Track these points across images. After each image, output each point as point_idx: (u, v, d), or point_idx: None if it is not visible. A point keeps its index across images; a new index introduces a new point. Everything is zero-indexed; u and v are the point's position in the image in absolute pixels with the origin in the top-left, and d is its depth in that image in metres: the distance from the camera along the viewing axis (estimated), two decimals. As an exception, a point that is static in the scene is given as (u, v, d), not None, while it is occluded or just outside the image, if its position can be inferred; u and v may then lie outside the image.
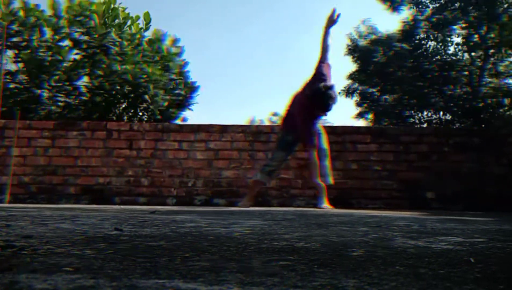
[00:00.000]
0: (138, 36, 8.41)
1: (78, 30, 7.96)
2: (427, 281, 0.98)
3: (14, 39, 7.75)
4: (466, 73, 12.08)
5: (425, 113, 13.22)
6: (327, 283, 0.94)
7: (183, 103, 8.90)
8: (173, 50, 8.98)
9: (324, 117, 5.06)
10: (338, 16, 5.00)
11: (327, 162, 4.98)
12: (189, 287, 0.87)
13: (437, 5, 12.38)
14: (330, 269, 1.09)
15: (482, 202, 5.64)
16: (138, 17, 8.62)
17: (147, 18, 8.63)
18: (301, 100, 4.88)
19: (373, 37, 13.90)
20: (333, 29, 5.02)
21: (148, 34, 8.75)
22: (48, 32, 7.94)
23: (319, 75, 4.86)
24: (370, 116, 14.24)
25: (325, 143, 5.03)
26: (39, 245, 1.42)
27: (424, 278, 1.01)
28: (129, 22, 8.47)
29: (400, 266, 1.16)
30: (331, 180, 4.97)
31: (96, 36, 7.88)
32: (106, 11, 8.06)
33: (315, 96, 4.70)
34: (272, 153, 5.17)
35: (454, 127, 11.58)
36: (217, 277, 0.98)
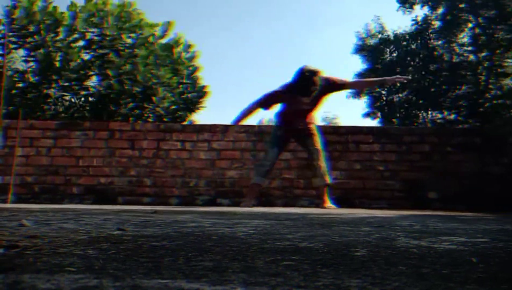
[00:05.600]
0: (150, 39, 8.45)
1: (91, 30, 8.00)
2: (430, 281, 0.98)
3: (29, 39, 7.79)
4: (471, 73, 12.06)
5: (432, 113, 13.21)
6: (330, 283, 0.94)
7: (191, 107, 8.94)
8: (186, 55, 9.04)
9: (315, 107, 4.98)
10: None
11: (324, 162, 4.96)
12: (192, 287, 0.87)
13: (447, 4, 12.35)
14: (333, 269, 1.09)
15: (483, 202, 5.63)
16: (160, 24, 8.65)
17: (167, 27, 8.68)
18: (289, 93, 4.86)
19: (382, 36, 13.91)
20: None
21: (165, 40, 8.79)
22: (63, 33, 7.99)
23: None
24: (378, 116, 14.22)
25: (320, 144, 5.00)
26: (42, 245, 1.43)
27: (427, 278, 1.01)
28: (144, 26, 8.49)
29: (403, 266, 1.16)
30: (329, 180, 4.96)
31: (107, 37, 7.92)
32: (120, 14, 8.09)
33: (298, 80, 4.70)
34: (266, 152, 5.16)
35: (457, 127, 11.57)
36: (221, 277, 0.98)
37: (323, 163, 4.93)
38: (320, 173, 4.91)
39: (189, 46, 9.09)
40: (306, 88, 4.68)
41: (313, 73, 4.65)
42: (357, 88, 4.39)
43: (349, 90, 4.15)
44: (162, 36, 8.69)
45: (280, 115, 5.10)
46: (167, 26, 8.70)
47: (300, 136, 5.06)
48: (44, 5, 7.91)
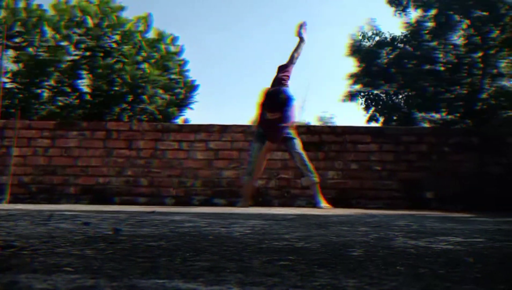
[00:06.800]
0: (138, 37, 8.40)
1: (77, 31, 7.97)
2: (427, 281, 0.98)
3: (16, 40, 7.76)
4: (466, 74, 12.07)
5: (429, 113, 13.23)
6: (327, 283, 0.93)
7: (183, 103, 8.88)
8: (173, 49, 8.94)
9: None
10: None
11: (307, 163, 4.97)
12: (189, 287, 0.87)
13: (440, 6, 12.36)
14: (330, 269, 1.09)
15: (481, 202, 5.64)
16: (138, 18, 8.60)
17: (148, 20, 8.62)
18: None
19: (377, 38, 13.92)
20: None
21: (149, 35, 8.72)
22: (49, 32, 7.94)
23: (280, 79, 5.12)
24: (381, 119, 14.23)
25: (299, 146, 5.02)
26: (39, 245, 1.42)
27: (424, 278, 1.01)
28: (127, 23, 8.44)
29: (400, 266, 1.16)
30: (316, 178, 4.97)
31: (93, 36, 7.89)
32: (102, 12, 8.05)
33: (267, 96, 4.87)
34: (250, 150, 5.19)
35: (454, 127, 11.58)
36: (217, 277, 0.97)
37: (306, 164, 4.96)
38: (306, 173, 4.95)
39: (174, 38, 9.00)
40: (272, 105, 4.83)
41: (277, 92, 4.80)
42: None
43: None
44: (146, 32, 8.62)
45: (261, 116, 5.15)
46: (148, 20, 8.65)
47: (274, 136, 5.09)
48: (29, 3, 7.86)
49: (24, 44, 7.70)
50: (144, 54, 8.32)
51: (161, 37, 8.79)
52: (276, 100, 4.81)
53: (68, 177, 5.89)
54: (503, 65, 11.93)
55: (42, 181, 5.87)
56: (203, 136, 6.01)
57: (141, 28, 8.57)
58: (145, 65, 7.98)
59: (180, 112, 8.84)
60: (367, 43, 14.16)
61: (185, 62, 9.13)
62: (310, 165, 4.99)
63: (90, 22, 7.91)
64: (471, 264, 1.20)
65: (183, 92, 8.83)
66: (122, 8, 8.35)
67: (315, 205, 5.02)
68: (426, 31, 12.92)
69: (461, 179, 5.86)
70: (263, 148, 4.99)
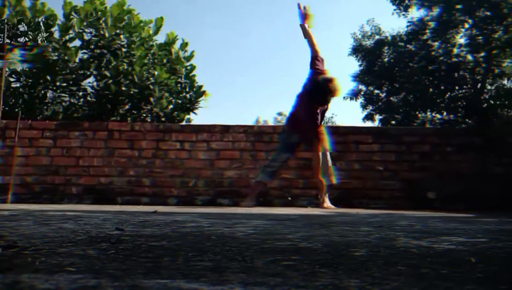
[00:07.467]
0: (147, 39, 8.42)
1: (88, 30, 7.98)
2: (429, 281, 0.98)
3: (21, 39, 7.77)
4: (468, 73, 12.05)
5: (430, 113, 13.21)
6: (330, 283, 0.93)
7: (189, 107, 8.90)
8: (183, 54, 8.99)
9: (326, 112, 5.01)
10: (305, 8, 5.03)
11: (330, 163, 4.96)
12: (192, 287, 0.87)
13: (443, 5, 12.34)
14: (332, 269, 1.09)
15: (483, 202, 5.63)
16: (151, 21, 8.64)
17: (159, 23, 8.64)
18: (304, 99, 4.86)
19: (378, 37, 13.92)
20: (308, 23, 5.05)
21: (159, 38, 8.77)
22: (57, 32, 7.97)
23: (317, 70, 4.85)
24: (377, 117, 14.23)
25: (328, 144, 5.00)
26: (41, 245, 1.42)
27: (426, 278, 1.01)
28: (141, 26, 8.46)
29: (403, 266, 1.16)
30: (334, 180, 4.95)
31: (105, 36, 7.90)
32: (117, 13, 8.07)
33: (314, 90, 4.69)
34: (276, 154, 5.14)
35: (456, 127, 11.56)
36: (220, 277, 0.97)
37: (330, 164, 4.94)
38: (327, 173, 4.92)
39: (185, 44, 9.04)
40: (324, 97, 4.69)
41: (329, 81, 4.65)
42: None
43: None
44: (156, 33, 8.66)
45: (293, 117, 5.06)
46: (160, 22, 8.68)
47: (310, 138, 5.04)
48: (33, 2, 7.87)
49: (28, 43, 7.71)
50: (153, 56, 8.35)
51: (172, 40, 8.82)
52: (327, 90, 4.61)
53: (70, 177, 5.90)
54: (505, 65, 11.91)
55: (44, 181, 5.88)
56: (205, 136, 6.01)
57: (153, 30, 8.60)
58: (154, 67, 8.01)
59: (185, 116, 8.84)
60: (368, 43, 14.17)
61: (193, 67, 9.16)
62: (332, 166, 4.96)
63: (103, 23, 7.92)
64: (473, 264, 1.20)
65: (189, 97, 8.85)
66: (138, 14, 8.39)
67: (318, 205, 5.02)
68: (427, 30, 12.91)
69: (463, 179, 5.85)
70: (317, 156, 4.88)
